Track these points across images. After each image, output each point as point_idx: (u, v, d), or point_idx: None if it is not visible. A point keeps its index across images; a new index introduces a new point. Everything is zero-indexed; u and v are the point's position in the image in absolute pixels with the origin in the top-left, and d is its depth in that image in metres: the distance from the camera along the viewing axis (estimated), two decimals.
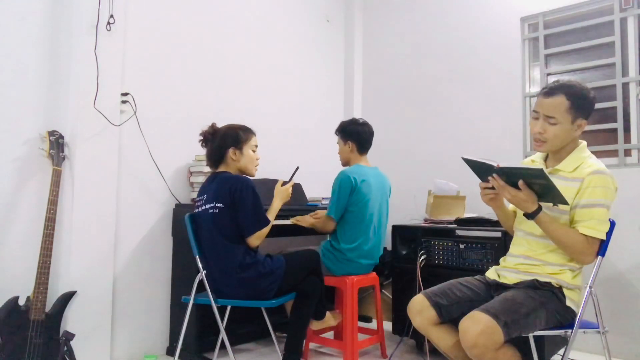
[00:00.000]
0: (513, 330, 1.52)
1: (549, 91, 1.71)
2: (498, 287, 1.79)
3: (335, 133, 2.80)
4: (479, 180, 1.81)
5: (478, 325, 1.49)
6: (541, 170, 1.52)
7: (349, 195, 2.57)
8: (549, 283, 1.67)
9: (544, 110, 1.71)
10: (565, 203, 1.61)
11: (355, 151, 2.73)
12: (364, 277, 2.65)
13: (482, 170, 1.71)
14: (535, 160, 1.90)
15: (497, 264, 1.92)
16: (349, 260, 2.58)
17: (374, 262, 2.71)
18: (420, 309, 1.75)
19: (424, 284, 2.52)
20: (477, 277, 1.88)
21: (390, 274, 3.23)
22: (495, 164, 1.62)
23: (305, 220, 2.70)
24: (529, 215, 1.64)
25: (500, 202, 1.84)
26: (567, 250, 1.65)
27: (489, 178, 1.68)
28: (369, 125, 2.77)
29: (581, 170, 1.68)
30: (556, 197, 1.60)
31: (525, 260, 1.76)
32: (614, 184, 1.66)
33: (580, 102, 1.68)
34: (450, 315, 1.74)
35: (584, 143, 1.77)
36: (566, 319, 1.67)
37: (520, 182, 1.59)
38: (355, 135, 2.71)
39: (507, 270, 1.80)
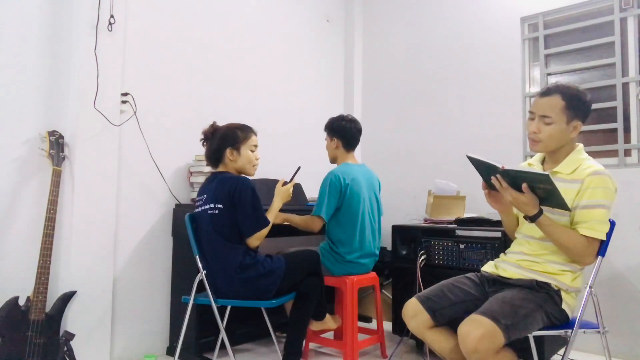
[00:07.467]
0: (513, 333, 1.52)
1: (545, 91, 1.73)
2: (495, 282, 1.79)
3: (324, 130, 2.78)
4: (479, 181, 1.81)
5: (479, 329, 1.48)
6: (547, 175, 1.51)
7: (339, 195, 2.56)
8: (548, 284, 1.67)
9: (540, 110, 1.72)
10: (567, 209, 1.60)
11: (341, 147, 2.71)
12: (363, 277, 2.65)
13: (485, 169, 1.70)
14: (532, 164, 1.90)
15: None
16: (349, 262, 2.58)
17: (373, 259, 2.71)
18: (414, 314, 1.75)
19: (424, 284, 2.52)
20: (469, 275, 1.87)
21: (390, 274, 3.23)
22: (500, 166, 1.61)
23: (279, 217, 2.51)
24: (530, 218, 1.64)
25: (508, 208, 1.84)
26: (567, 252, 1.65)
27: (492, 178, 1.67)
28: (356, 122, 2.74)
29: (580, 172, 1.68)
30: (558, 203, 1.59)
31: (527, 257, 1.75)
32: (613, 184, 1.66)
33: (576, 103, 1.69)
34: (444, 318, 1.74)
35: (580, 145, 1.77)
36: (560, 321, 1.67)
37: (524, 186, 1.58)
38: (341, 131, 2.69)
39: (508, 264, 1.79)
